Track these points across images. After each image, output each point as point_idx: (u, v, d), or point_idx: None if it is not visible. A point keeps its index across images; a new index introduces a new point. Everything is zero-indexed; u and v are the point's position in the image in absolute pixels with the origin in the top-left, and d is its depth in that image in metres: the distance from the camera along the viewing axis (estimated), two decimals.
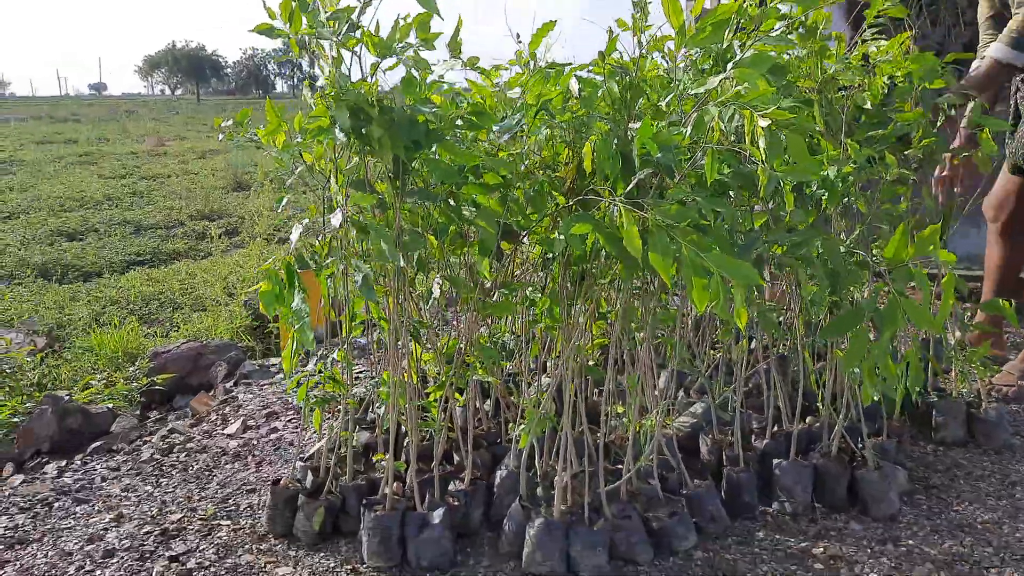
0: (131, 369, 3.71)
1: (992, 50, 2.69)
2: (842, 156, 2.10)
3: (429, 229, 1.93)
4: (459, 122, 1.86)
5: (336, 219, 1.75)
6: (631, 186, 1.63)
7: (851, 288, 2.00)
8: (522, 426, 1.88)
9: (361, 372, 3.17)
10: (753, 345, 2.57)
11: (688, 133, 1.61)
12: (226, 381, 3.48)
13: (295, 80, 78.31)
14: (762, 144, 1.35)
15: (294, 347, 1.80)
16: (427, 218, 1.94)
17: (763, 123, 1.33)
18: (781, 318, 2.44)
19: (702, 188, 1.65)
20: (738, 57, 1.53)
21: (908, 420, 2.53)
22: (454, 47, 2.06)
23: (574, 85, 1.79)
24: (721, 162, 1.65)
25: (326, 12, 1.60)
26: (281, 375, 3.37)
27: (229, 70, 75.92)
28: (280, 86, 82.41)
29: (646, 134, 1.61)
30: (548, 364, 2.40)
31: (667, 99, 1.66)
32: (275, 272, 1.76)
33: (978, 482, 2.24)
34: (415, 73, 1.73)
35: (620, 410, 2.36)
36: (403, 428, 2.09)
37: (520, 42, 2.70)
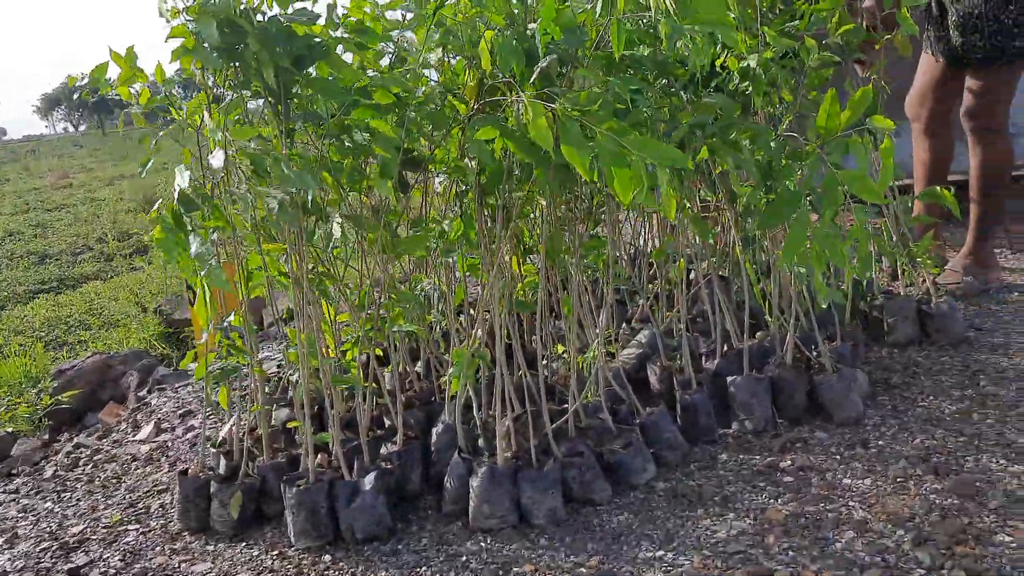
0: (34, 391, 3.41)
1: None
2: (760, 45, 1.96)
3: (322, 168, 1.72)
4: (339, 48, 1.66)
5: (218, 159, 1.53)
6: (535, 77, 1.46)
7: (786, 182, 1.86)
8: (451, 371, 1.69)
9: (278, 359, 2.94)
10: (692, 275, 2.42)
11: (598, 10, 1.44)
12: (139, 390, 3.20)
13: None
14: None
15: (207, 297, 1.57)
16: (319, 158, 1.73)
17: None
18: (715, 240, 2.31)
19: (616, 71, 1.48)
20: None
21: (860, 326, 2.41)
22: None
23: None
24: (634, 43, 1.49)
25: None
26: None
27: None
28: None
29: (548, 15, 1.44)
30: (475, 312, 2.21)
31: None
32: (162, 218, 1.53)
33: (939, 376, 2.13)
34: None
35: (560, 349, 2.20)
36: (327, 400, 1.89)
37: None
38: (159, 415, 2.72)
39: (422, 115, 1.65)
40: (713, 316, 2.16)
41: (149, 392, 3.13)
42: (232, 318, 1.76)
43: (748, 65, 1.92)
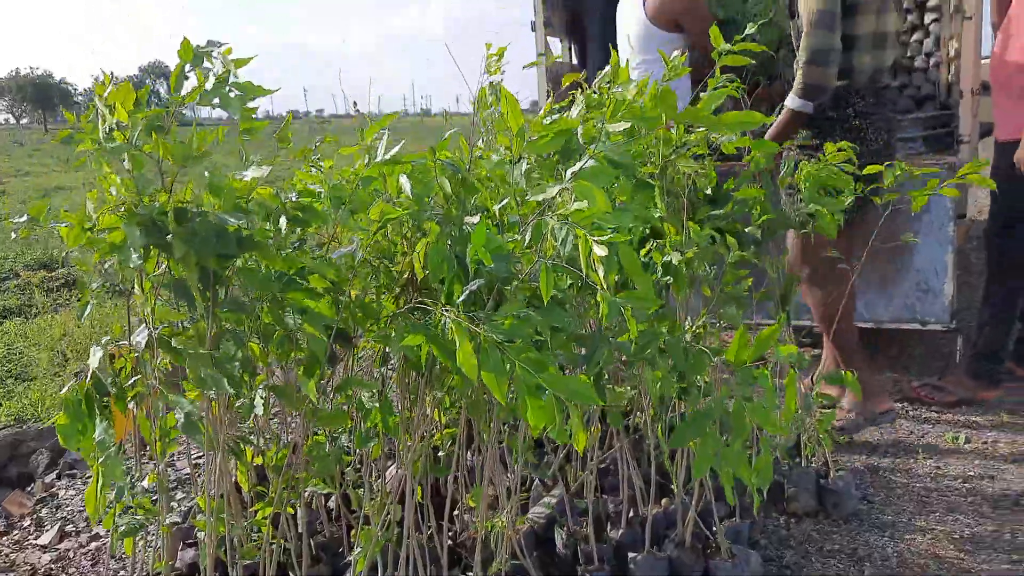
0: None
1: (787, 100, 2.83)
2: (684, 239, 2.07)
3: (253, 334, 1.76)
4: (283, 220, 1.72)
5: (140, 337, 1.57)
6: (464, 296, 1.53)
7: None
8: (358, 550, 1.73)
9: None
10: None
11: (526, 242, 1.52)
12: (48, 472, 3.15)
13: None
14: (601, 272, 1.26)
15: (99, 486, 1.59)
16: (251, 320, 1.77)
17: (600, 251, 1.24)
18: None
19: (540, 299, 1.56)
20: (578, 167, 1.45)
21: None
22: (282, 138, 1.92)
23: (405, 183, 1.68)
24: (559, 276, 1.57)
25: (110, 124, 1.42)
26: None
27: (80, 98, 72.14)
28: None
29: (479, 241, 1.51)
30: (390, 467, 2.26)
31: (502, 202, 1.57)
32: (73, 401, 1.56)
33: (828, 559, 2.24)
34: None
35: (472, 503, 2.25)
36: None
37: (358, 111, 2.59)
38: (65, 513, 2.69)
39: (355, 304, 1.71)
40: (622, 474, 2.24)
41: (59, 477, 3.08)
42: (147, 480, 1.77)
43: (670, 261, 2.03)
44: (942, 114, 3.89)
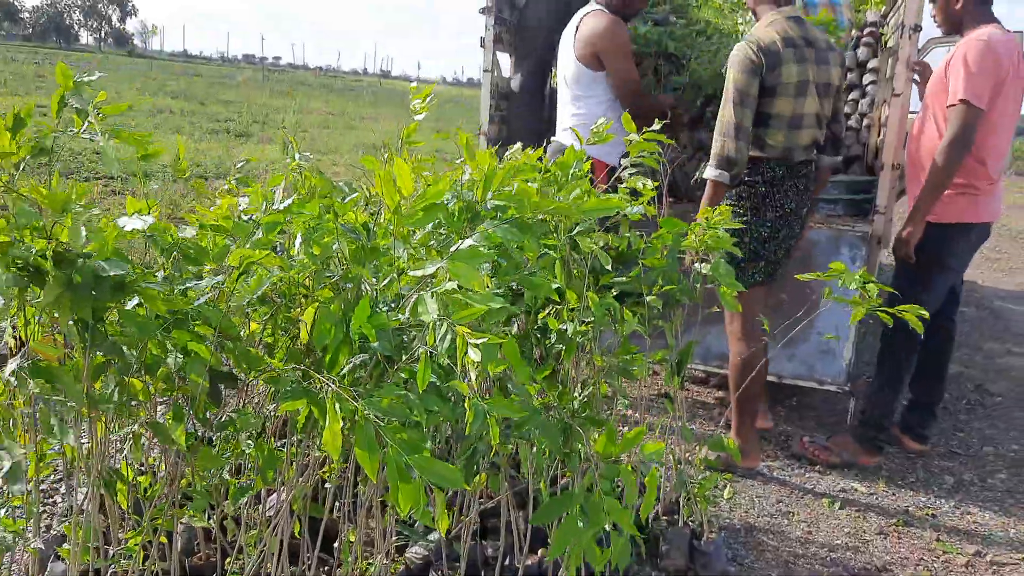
0: None
1: (707, 172, 3.03)
2: (582, 309, 2.11)
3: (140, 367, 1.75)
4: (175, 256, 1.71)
5: (9, 368, 1.55)
6: (347, 369, 1.55)
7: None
8: None
9: None
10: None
11: (406, 320, 1.54)
12: None
13: (101, 34, 72.56)
14: (473, 376, 1.29)
15: None
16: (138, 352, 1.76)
17: (474, 355, 1.27)
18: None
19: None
20: (454, 248, 1.47)
21: (637, 544, 2.60)
22: (177, 170, 1.90)
23: (297, 244, 1.68)
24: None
25: None
26: None
27: (26, 14, 69.27)
28: (85, 37, 75.98)
29: (362, 316, 1.53)
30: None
31: (386, 281, 1.58)
32: None
33: None
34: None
35: (352, 538, 2.28)
36: None
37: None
38: None
39: (239, 350, 1.71)
40: (502, 530, 2.29)
41: None
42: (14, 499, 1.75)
43: (565, 329, 2.07)
44: (864, 179, 4.01)
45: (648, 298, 2.33)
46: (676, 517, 2.63)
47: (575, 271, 2.23)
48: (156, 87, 22.96)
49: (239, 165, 2.34)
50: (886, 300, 3.39)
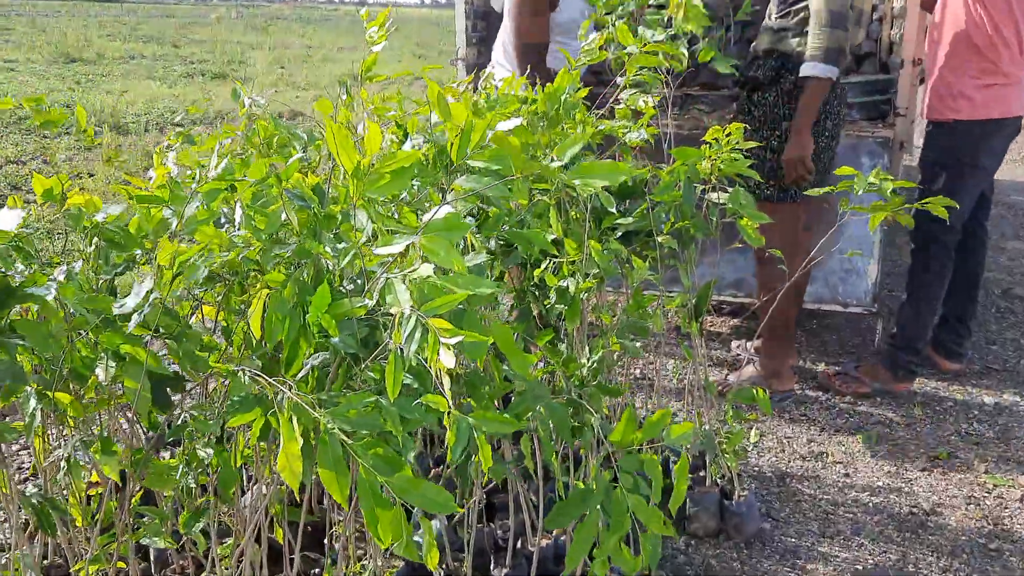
0: None
1: (807, 68, 2.69)
2: (584, 260, 1.83)
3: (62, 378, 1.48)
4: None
5: None
6: (303, 372, 1.27)
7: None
8: None
9: None
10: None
11: (373, 306, 1.25)
12: None
13: None
14: (446, 385, 1.01)
15: None
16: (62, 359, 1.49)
17: (447, 359, 0.98)
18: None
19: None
20: (428, 217, 1.17)
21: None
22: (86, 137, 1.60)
23: (237, 214, 1.39)
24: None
25: None
26: None
27: None
28: None
29: (321, 305, 1.24)
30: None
31: (347, 258, 1.29)
32: None
33: None
34: None
35: (341, 531, 2.04)
36: None
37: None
38: None
39: (183, 350, 1.43)
40: (510, 508, 2.06)
41: None
42: None
43: (566, 286, 1.79)
44: (879, 79, 3.66)
45: (659, 239, 2.04)
46: (703, 474, 2.39)
47: (573, 213, 1.95)
48: (128, 32, 22.17)
49: (178, 118, 2.02)
50: (916, 213, 3.13)
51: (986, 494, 2.53)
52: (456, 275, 1.14)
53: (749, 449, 2.77)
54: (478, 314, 1.32)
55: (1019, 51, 2.82)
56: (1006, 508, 2.46)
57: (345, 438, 1.15)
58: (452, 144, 1.21)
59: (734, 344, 3.52)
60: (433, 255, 1.14)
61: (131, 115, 9.48)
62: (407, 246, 1.18)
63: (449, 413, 1.06)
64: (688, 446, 1.59)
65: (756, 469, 2.67)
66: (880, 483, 2.59)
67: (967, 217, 3.13)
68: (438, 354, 1.00)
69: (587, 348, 1.92)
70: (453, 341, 0.99)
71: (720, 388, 3.12)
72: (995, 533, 2.34)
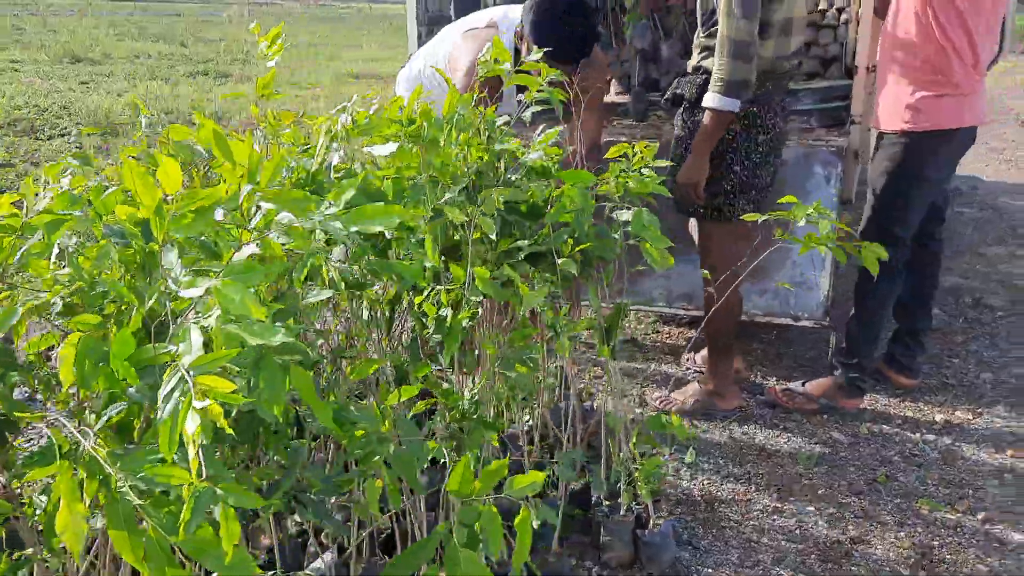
0: None
1: (707, 100, 2.60)
2: (468, 288, 1.77)
3: None
4: None
5: None
6: (102, 422, 1.22)
7: None
8: None
9: None
10: None
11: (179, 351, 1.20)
12: None
13: None
14: (191, 453, 0.95)
15: None
16: None
17: (191, 426, 0.93)
18: None
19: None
20: (231, 259, 1.12)
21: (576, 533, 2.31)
22: None
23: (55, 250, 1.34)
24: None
25: None
26: None
27: None
28: None
29: (122, 352, 1.19)
30: None
31: (151, 301, 1.23)
32: None
33: None
34: None
35: None
36: None
37: None
38: None
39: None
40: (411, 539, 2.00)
41: None
42: None
43: (443, 316, 1.73)
44: (839, 84, 3.57)
45: (560, 261, 1.98)
46: (619, 501, 2.32)
47: (456, 236, 1.89)
48: (137, 31, 22.24)
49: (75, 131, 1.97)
50: (863, 229, 3.03)
51: (919, 520, 2.45)
52: (250, 323, 1.09)
53: (682, 470, 2.70)
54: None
55: (972, 62, 2.72)
56: (937, 537, 2.37)
57: (134, 496, 1.11)
58: (234, 185, 1.15)
59: (684, 357, 3.45)
60: (227, 301, 1.08)
61: (126, 116, 9.49)
62: (206, 289, 1.12)
63: (191, 484, 1.00)
64: (531, 495, 1.52)
65: (686, 492, 2.60)
66: (811, 508, 2.51)
67: (918, 230, 3.04)
68: (186, 416, 0.95)
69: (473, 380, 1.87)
70: (201, 405, 0.94)
71: (663, 405, 3.06)
72: (920, 564, 2.26)
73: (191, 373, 0.99)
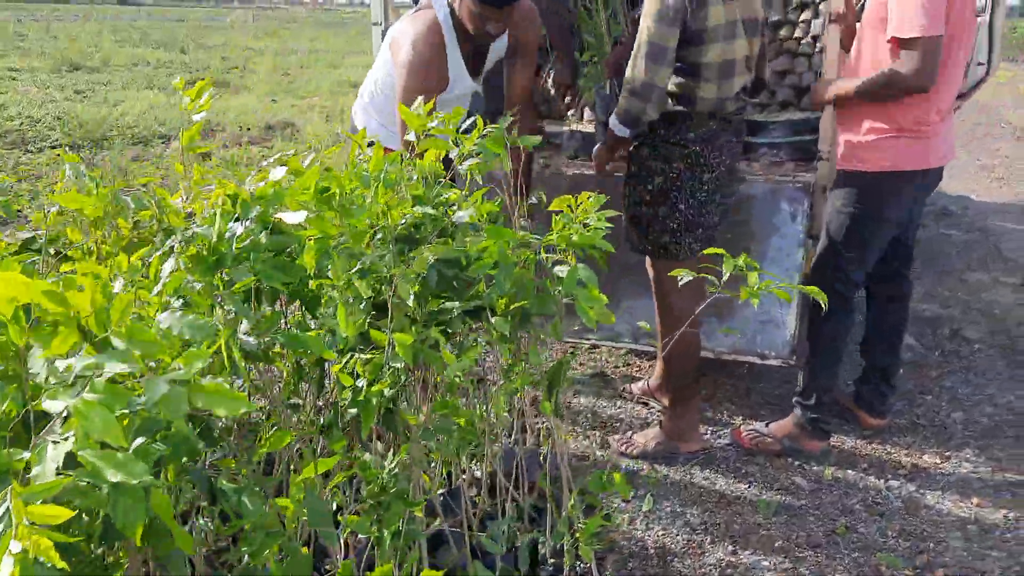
0: None
1: (610, 120, 2.70)
2: (388, 355, 1.72)
3: None
4: None
5: None
6: None
7: None
8: None
9: None
10: None
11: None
12: None
13: None
14: None
15: None
16: None
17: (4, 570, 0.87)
18: None
19: None
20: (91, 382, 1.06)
21: None
22: None
23: None
24: None
25: None
26: None
27: None
28: None
29: None
30: None
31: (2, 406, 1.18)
32: None
33: None
34: None
35: None
36: None
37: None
38: None
39: None
40: None
41: None
42: None
43: (360, 387, 1.68)
44: (809, 117, 3.50)
45: (494, 320, 1.92)
46: (560, 561, 2.26)
47: (391, 298, 1.83)
48: (138, 37, 22.26)
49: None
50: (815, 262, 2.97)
51: None
52: (109, 453, 1.04)
53: (638, 519, 2.64)
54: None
55: (937, 104, 2.66)
56: None
57: None
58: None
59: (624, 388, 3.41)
60: (88, 424, 1.03)
61: (118, 128, 9.48)
62: (66, 407, 1.07)
63: None
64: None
65: (640, 543, 2.54)
66: (766, 563, 2.45)
67: (886, 270, 2.98)
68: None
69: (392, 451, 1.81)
70: (17, 548, 0.88)
71: (624, 448, 3.00)
72: None
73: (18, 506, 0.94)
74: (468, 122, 1.99)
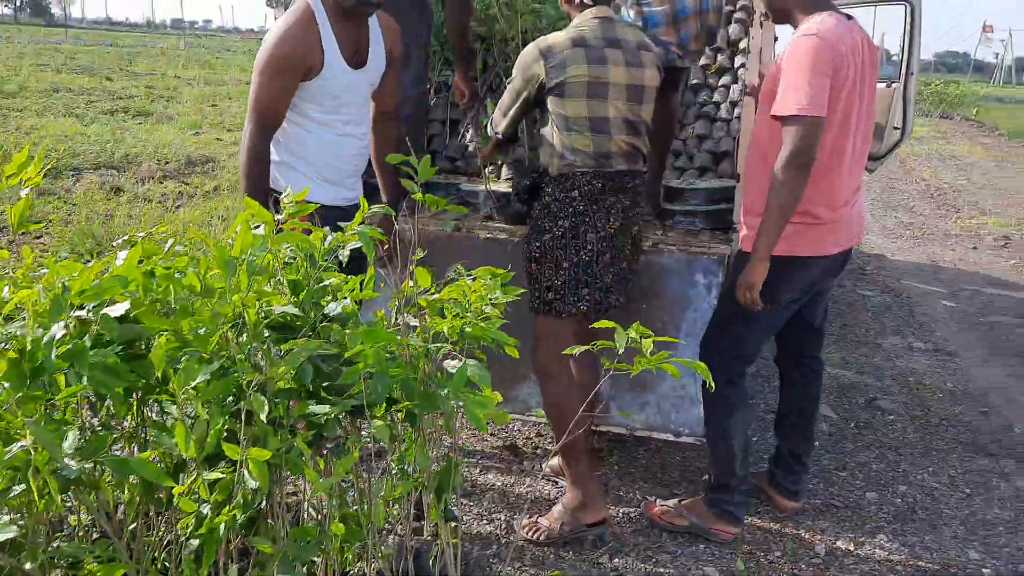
0: None
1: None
2: (237, 477, 1.53)
3: None
4: None
5: None
6: None
7: None
8: None
9: None
10: None
11: None
12: None
13: (17, 2, 69.08)
14: None
15: None
16: None
17: None
18: None
19: None
20: None
21: None
22: None
23: None
24: None
25: None
26: None
27: None
28: None
29: None
30: None
31: None
32: None
33: None
34: None
35: None
36: None
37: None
38: None
39: None
40: None
41: None
42: None
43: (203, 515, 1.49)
44: (727, 186, 3.44)
45: (373, 424, 1.76)
46: None
47: (255, 401, 1.65)
48: (62, 61, 21.55)
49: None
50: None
51: None
52: None
53: None
54: None
55: (836, 192, 2.58)
56: None
57: None
58: None
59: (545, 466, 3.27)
60: None
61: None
62: None
63: None
64: None
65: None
66: None
67: (798, 350, 2.91)
68: None
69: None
70: None
71: (530, 534, 2.84)
72: None
73: None
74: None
